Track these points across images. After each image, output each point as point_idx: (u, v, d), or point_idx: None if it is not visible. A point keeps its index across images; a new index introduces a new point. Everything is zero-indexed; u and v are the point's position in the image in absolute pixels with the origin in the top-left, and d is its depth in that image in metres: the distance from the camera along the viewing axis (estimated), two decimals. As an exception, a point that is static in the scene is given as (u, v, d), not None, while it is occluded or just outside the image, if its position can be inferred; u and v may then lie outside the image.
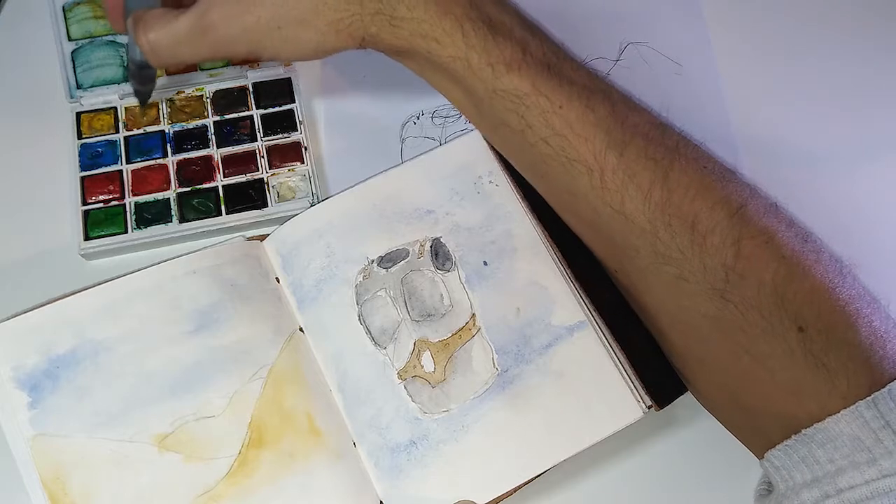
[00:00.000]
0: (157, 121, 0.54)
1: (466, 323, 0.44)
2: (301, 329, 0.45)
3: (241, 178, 0.52)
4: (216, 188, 0.52)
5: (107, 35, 0.55)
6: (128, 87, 0.54)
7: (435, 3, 0.41)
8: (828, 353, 0.37)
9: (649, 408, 0.43)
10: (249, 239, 0.47)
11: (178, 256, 0.44)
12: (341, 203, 0.46)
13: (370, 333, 0.44)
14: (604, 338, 0.44)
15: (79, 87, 0.54)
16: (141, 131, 0.53)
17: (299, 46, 0.43)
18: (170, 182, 0.52)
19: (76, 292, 0.42)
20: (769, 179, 0.42)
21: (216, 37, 0.42)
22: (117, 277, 0.43)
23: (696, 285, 0.39)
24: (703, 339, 0.41)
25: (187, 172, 0.52)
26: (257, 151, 0.53)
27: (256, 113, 0.54)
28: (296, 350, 0.44)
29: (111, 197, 0.51)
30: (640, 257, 0.41)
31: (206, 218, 0.51)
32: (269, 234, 0.47)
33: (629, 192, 0.40)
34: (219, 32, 0.42)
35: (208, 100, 0.54)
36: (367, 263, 0.45)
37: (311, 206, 0.47)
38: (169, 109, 0.54)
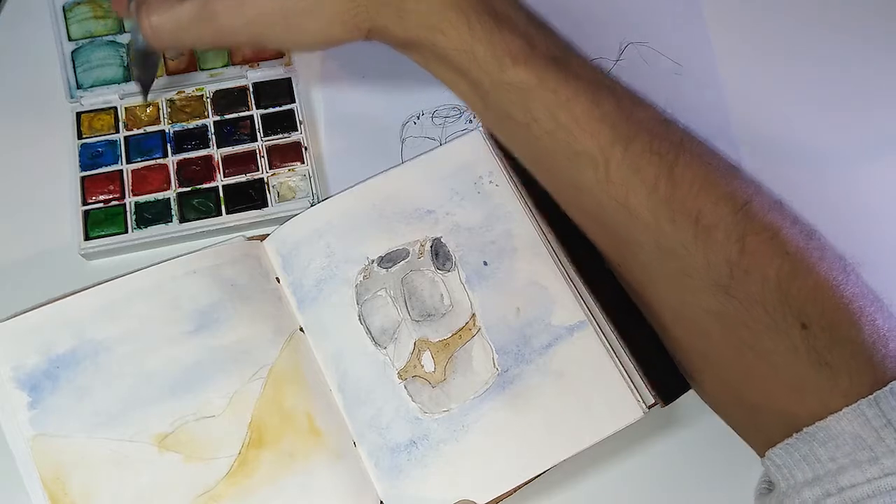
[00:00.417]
0: (157, 121, 0.54)
1: (466, 323, 0.44)
2: (301, 329, 0.45)
3: (242, 178, 0.52)
4: (216, 188, 0.52)
5: (107, 35, 0.55)
6: (128, 87, 0.54)
7: None
8: (831, 351, 0.37)
9: (650, 407, 0.43)
10: (249, 239, 0.47)
11: (178, 256, 0.44)
12: (341, 203, 0.46)
13: (370, 333, 0.44)
14: (604, 337, 0.44)
15: (79, 87, 0.54)
16: (141, 131, 0.53)
17: (304, 37, 0.43)
18: (170, 182, 0.52)
19: (76, 292, 0.42)
20: (769, 179, 0.42)
21: (219, 25, 0.42)
22: (117, 277, 0.43)
23: (700, 280, 0.40)
24: (706, 334, 0.41)
25: (187, 172, 0.52)
26: (257, 151, 0.53)
27: (256, 113, 0.54)
28: (296, 350, 0.44)
29: (111, 197, 0.51)
30: (644, 252, 0.41)
31: (206, 218, 0.51)
32: (269, 234, 0.47)
33: (634, 187, 0.40)
34: (222, 21, 0.42)
35: (208, 100, 0.54)
36: (367, 263, 0.45)
37: (311, 206, 0.47)
38: (169, 109, 0.54)
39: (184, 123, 0.54)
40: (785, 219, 0.40)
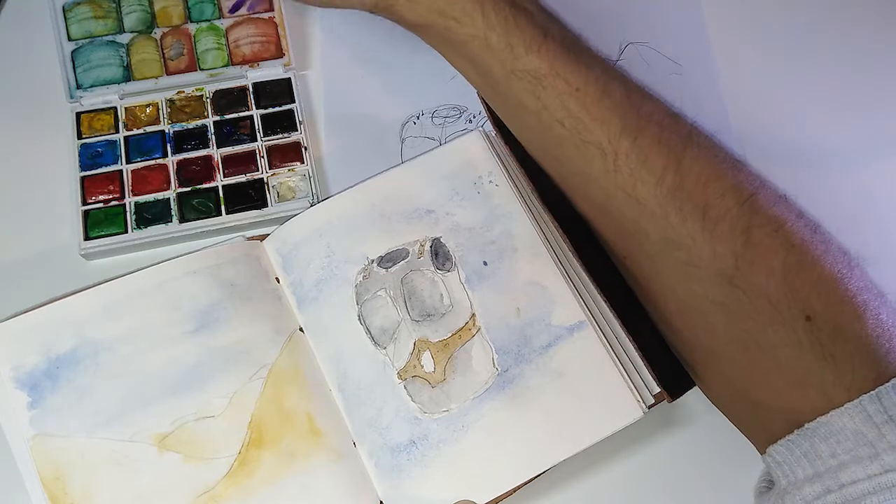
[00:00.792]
0: (156, 121, 0.54)
1: (466, 323, 0.44)
2: (301, 329, 0.45)
3: (241, 178, 0.52)
4: (216, 188, 0.52)
5: (107, 35, 0.55)
6: (128, 87, 0.54)
7: None
8: (834, 344, 0.37)
9: (651, 406, 0.43)
10: (249, 239, 0.47)
11: (178, 256, 0.44)
12: (341, 203, 0.46)
13: (370, 333, 0.44)
14: (604, 337, 0.44)
15: (79, 87, 0.54)
16: (141, 131, 0.53)
17: None
18: (170, 182, 0.52)
19: (76, 292, 0.42)
20: (770, 179, 0.42)
21: None
22: (117, 277, 0.43)
23: (706, 271, 0.40)
24: (711, 327, 0.41)
25: (187, 172, 0.52)
26: (257, 151, 0.53)
27: (256, 113, 0.54)
28: (296, 350, 0.44)
29: (111, 197, 0.51)
30: (651, 242, 0.41)
31: (206, 218, 0.51)
32: (269, 234, 0.47)
33: (642, 177, 0.40)
34: None
35: (208, 100, 0.54)
36: (367, 263, 0.45)
37: (311, 206, 0.47)
38: (169, 109, 0.54)
39: (184, 123, 0.54)
40: (790, 212, 0.40)
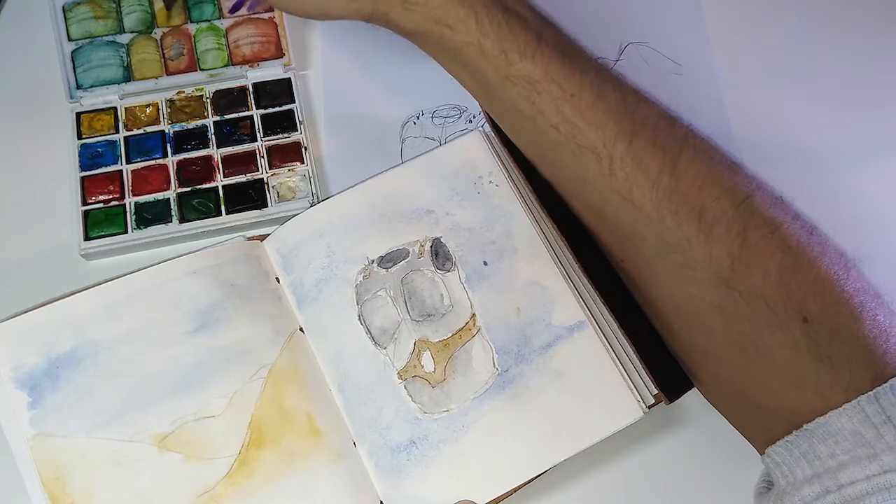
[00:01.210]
0: (156, 121, 0.54)
1: (466, 323, 0.44)
2: (301, 329, 0.45)
3: (241, 178, 0.52)
4: (216, 188, 0.52)
5: (107, 35, 0.55)
6: (128, 87, 0.54)
7: None
8: (831, 345, 0.37)
9: (650, 406, 0.43)
10: (249, 239, 0.47)
11: (178, 256, 0.44)
12: (341, 203, 0.46)
13: (370, 333, 0.44)
14: (604, 337, 0.44)
15: (79, 87, 0.54)
16: (141, 131, 0.53)
17: (305, 1, 0.44)
18: (170, 182, 0.52)
19: (76, 292, 0.42)
20: (768, 179, 0.42)
21: None
22: (117, 277, 0.43)
23: (702, 273, 0.40)
24: (708, 330, 0.41)
25: (187, 172, 0.52)
26: (257, 151, 0.53)
27: (256, 113, 0.54)
28: (296, 350, 0.44)
29: (111, 197, 0.51)
30: (647, 245, 0.41)
31: (206, 218, 0.51)
32: (269, 234, 0.47)
33: (637, 180, 0.40)
34: None
35: (208, 100, 0.54)
36: (367, 263, 0.45)
37: (311, 206, 0.47)
38: (169, 109, 0.54)
39: (184, 123, 0.54)
40: (786, 214, 0.40)
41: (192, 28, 0.56)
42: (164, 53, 0.55)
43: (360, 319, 0.44)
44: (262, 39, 0.56)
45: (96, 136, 0.53)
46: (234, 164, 0.53)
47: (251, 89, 0.55)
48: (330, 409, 0.43)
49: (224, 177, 0.52)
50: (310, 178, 0.53)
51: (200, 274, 0.44)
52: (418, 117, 0.56)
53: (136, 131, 0.53)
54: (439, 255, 0.45)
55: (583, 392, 0.43)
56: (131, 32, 0.55)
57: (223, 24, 0.56)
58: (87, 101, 0.54)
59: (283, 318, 0.44)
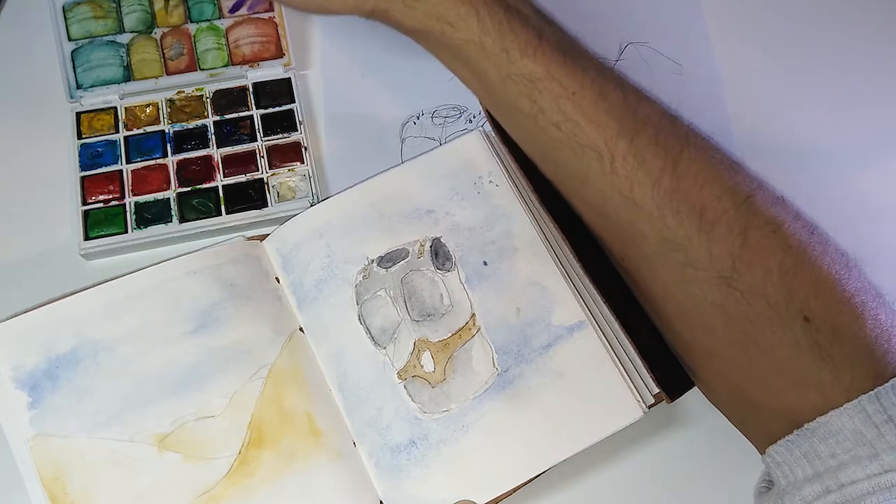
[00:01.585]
0: (156, 121, 0.54)
1: (466, 323, 0.44)
2: (301, 329, 0.45)
3: (241, 178, 0.52)
4: (216, 188, 0.52)
5: (107, 35, 0.55)
6: (128, 87, 0.54)
7: None
8: (833, 344, 0.37)
9: (651, 406, 0.43)
10: (249, 239, 0.47)
11: (178, 256, 0.44)
12: (341, 203, 0.46)
13: (370, 333, 0.44)
14: (604, 337, 0.44)
15: (79, 87, 0.54)
16: (141, 131, 0.53)
17: None
18: (170, 182, 0.52)
19: (76, 292, 0.42)
20: (769, 179, 0.42)
21: None
22: (117, 277, 0.43)
23: (703, 272, 0.40)
24: (709, 329, 0.41)
25: (187, 172, 0.52)
26: (257, 151, 0.53)
27: (256, 113, 0.54)
28: (296, 350, 0.44)
29: (111, 197, 0.51)
30: (648, 244, 0.41)
31: (206, 218, 0.51)
32: (269, 234, 0.47)
33: (639, 179, 0.40)
34: None
35: (208, 100, 0.54)
36: (367, 263, 0.45)
37: (311, 206, 0.47)
38: (169, 109, 0.54)
39: (184, 123, 0.54)
40: (787, 214, 0.40)
41: (192, 28, 0.56)
42: (164, 53, 0.55)
43: (359, 319, 0.44)
44: (262, 39, 0.56)
45: (96, 136, 0.53)
46: (234, 163, 0.53)
47: (251, 89, 0.55)
48: (330, 409, 0.43)
49: (224, 177, 0.52)
50: (310, 177, 0.53)
51: (200, 274, 0.44)
52: (418, 117, 0.56)
53: (136, 131, 0.53)
54: (439, 254, 0.45)
55: (583, 392, 0.43)
56: (131, 32, 0.55)
57: (223, 23, 0.56)
58: (87, 101, 0.54)
59: (282, 318, 0.44)
